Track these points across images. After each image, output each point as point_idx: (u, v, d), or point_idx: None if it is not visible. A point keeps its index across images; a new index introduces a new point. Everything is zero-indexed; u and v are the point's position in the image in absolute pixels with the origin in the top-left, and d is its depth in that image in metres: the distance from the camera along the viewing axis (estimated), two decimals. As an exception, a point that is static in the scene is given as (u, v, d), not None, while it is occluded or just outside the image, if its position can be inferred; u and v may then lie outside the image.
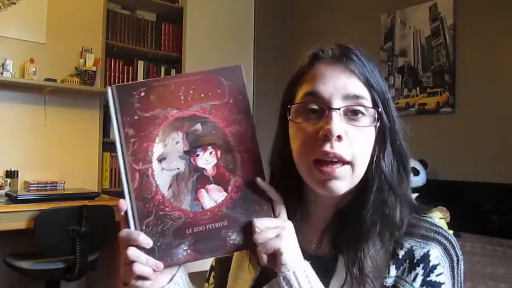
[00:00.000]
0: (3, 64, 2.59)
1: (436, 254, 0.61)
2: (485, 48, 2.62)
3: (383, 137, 0.64)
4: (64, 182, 2.81)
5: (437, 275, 0.61)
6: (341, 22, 3.39)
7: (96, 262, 2.37)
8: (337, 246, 0.65)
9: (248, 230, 0.59)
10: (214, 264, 0.78)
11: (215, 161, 0.60)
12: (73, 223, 2.20)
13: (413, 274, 0.60)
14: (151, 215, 0.57)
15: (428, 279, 0.60)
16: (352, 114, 0.62)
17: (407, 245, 0.62)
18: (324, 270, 0.63)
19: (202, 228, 0.58)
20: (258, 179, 0.61)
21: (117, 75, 3.13)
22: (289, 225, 0.60)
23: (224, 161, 0.60)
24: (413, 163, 2.57)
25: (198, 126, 0.60)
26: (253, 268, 0.69)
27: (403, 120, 0.69)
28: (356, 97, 0.62)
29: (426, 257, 0.61)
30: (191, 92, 0.60)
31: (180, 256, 0.58)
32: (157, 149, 0.59)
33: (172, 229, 0.58)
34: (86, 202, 2.30)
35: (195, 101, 0.60)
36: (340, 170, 0.60)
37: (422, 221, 0.66)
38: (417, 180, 2.54)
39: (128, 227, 0.58)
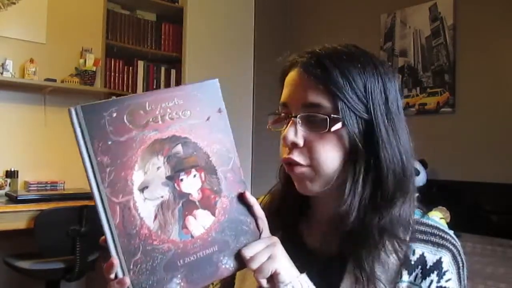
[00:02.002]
0: (3, 64, 2.59)
1: (446, 261, 0.63)
2: (485, 48, 2.62)
3: (352, 143, 0.63)
4: (64, 182, 2.81)
5: (446, 281, 0.62)
6: (341, 22, 3.39)
7: (96, 262, 2.36)
8: (343, 246, 0.65)
9: (238, 251, 0.57)
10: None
11: (199, 184, 0.56)
12: (73, 223, 2.20)
13: (428, 280, 0.62)
14: (138, 252, 0.52)
15: (438, 285, 0.62)
16: (312, 121, 0.63)
17: (418, 251, 0.64)
18: (333, 270, 0.65)
19: (194, 257, 0.55)
20: (247, 193, 0.59)
21: (117, 75, 3.13)
22: (276, 240, 0.59)
23: (209, 183, 0.57)
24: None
25: (179, 148, 0.55)
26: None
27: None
28: (313, 105, 0.63)
29: (439, 264, 0.63)
30: (169, 110, 0.54)
31: None
32: (137, 177, 0.52)
33: (162, 264, 0.53)
34: (86, 202, 2.29)
35: (173, 121, 0.55)
36: (301, 171, 0.65)
37: (430, 227, 0.67)
38: (417, 180, 2.53)
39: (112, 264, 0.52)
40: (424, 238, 0.65)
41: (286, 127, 0.65)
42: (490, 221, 2.44)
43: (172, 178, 0.55)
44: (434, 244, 0.64)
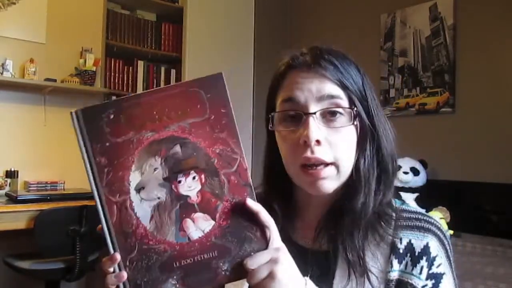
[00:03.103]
0: (3, 64, 2.59)
1: (434, 246, 0.64)
2: (485, 48, 2.62)
3: (364, 135, 0.66)
4: (64, 182, 2.81)
5: (437, 266, 0.64)
6: (341, 22, 3.39)
7: (96, 262, 2.36)
8: (334, 240, 0.66)
9: (240, 259, 0.54)
10: None
11: (199, 186, 0.54)
12: (73, 223, 2.20)
13: (418, 267, 0.63)
14: (134, 250, 0.53)
15: (430, 271, 0.63)
16: (329, 115, 0.63)
17: (405, 239, 0.65)
18: (324, 265, 0.65)
19: (190, 260, 0.54)
20: (249, 201, 0.55)
21: (117, 75, 3.13)
22: (282, 250, 0.55)
23: (210, 186, 0.55)
24: (413, 163, 2.57)
25: (177, 149, 0.54)
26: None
27: (390, 119, 0.71)
28: (331, 96, 0.63)
29: (426, 249, 0.64)
30: (167, 110, 0.53)
31: None
32: (134, 178, 0.53)
33: (158, 264, 0.53)
34: (86, 202, 2.29)
35: (172, 120, 0.53)
36: (325, 171, 0.63)
37: (412, 213, 0.68)
38: (417, 180, 2.54)
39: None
40: (409, 224, 0.66)
41: (302, 126, 0.63)
42: (490, 221, 2.43)
43: (169, 180, 0.54)
44: (420, 229, 0.65)
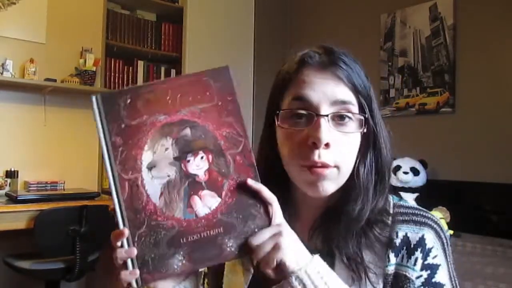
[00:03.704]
0: (3, 64, 2.59)
1: (430, 238, 0.65)
2: (485, 48, 2.62)
3: (367, 141, 0.66)
4: (64, 182, 2.81)
5: (433, 258, 0.64)
6: (341, 22, 3.39)
7: (96, 262, 2.36)
8: (330, 241, 0.66)
9: (245, 236, 0.57)
10: (206, 270, 0.77)
11: (207, 166, 0.58)
12: (73, 223, 2.20)
13: (413, 259, 0.64)
14: (143, 226, 0.55)
15: (426, 262, 0.64)
16: (339, 119, 0.63)
17: (401, 232, 0.66)
18: None
19: (197, 236, 0.56)
20: (249, 180, 0.58)
21: (117, 75, 3.13)
22: (284, 226, 0.58)
23: (216, 165, 0.58)
24: (413, 163, 2.57)
25: (187, 131, 0.58)
26: (246, 272, 0.68)
27: (388, 122, 0.71)
28: (344, 102, 0.63)
29: (422, 241, 0.64)
30: (179, 96, 0.58)
31: (176, 266, 0.55)
32: (146, 157, 0.57)
33: (165, 239, 0.55)
34: (86, 202, 2.30)
35: (183, 105, 0.58)
36: (327, 172, 0.63)
37: (409, 208, 0.69)
38: (417, 180, 2.54)
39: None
40: (406, 219, 0.67)
41: (312, 126, 0.62)
42: (490, 221, 2.44)
43: (179, 159, 0.57)
44: (416, 223, 0.66)
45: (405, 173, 2.53)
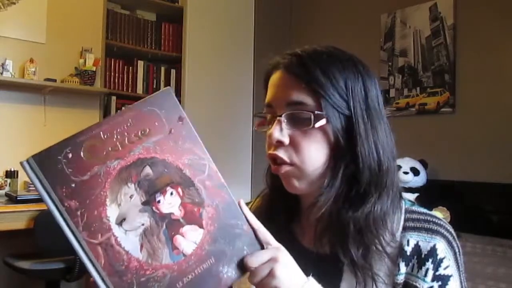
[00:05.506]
0: (3, 64, 2.59)
1: (441, 248, 0.63)
2: (485, 48, 2.62)
3: (337, 141, 0.65)
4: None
5: (444, 268, 0.63)
6: (341, 22, 3.39)
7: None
8: (334, 246, 0.66)
9: (237, 257, 0.56)
10: None
11: (179, 200, 0.54)
12: (73, 223, 2.19)
13: (423, 269, 0.62)
14: (133, 286, 0.50)
15: (437, 273, 0.62)
16: (297, 119, 0.65)
17: (413, 240, 0.64)
18: (330, 269, 0.65)
19: (192, 275, 0.53)
20: (241, 201, 0.58)
21: (117, 75, 3.13)
22: (281, 250, 0.57)
23: (189, 197, 0.54)
24: (413, 163, 2.57)
25: (148, 170, 0.53)
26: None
27: (391, 119, 0.69)
28: (296, 103, 0.65)
29: (433, 251, 0.63)
30: (126, 134, 0.52)
31: None
32: (112, 212, 0.50)
33: None
34: (86, 202, 2.29)
35: (134, 144, 0.52)
36: (286, 170, 0.66)
37: (422, 214, 0.67)
38: (417, 180, 2.54)
39: None
40: (417, 226, 0.65)
41: (271, 126, 0.66)
42: (490, 221, 2.43)
43: (148, 203, 0.52)
44: (428, 231, 0.65)
45: (405, 173, 2.53)
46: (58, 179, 0.49)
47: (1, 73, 2.58)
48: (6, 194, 2.50)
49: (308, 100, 0.64)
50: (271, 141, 0.65)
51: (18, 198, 2.31)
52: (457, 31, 2.74)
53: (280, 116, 0.65)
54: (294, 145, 0.65)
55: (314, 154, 0.65)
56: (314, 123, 0.63)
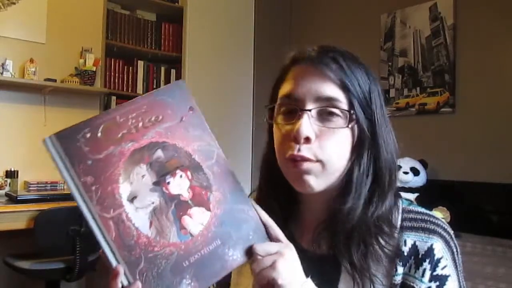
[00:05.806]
0: (3, 64, 2.59)
1: (439, 248, 0.63)
2: (485, 48, 2.62)
3: (361, 141, 0.65)
4: (64, 182, 2.80)
5: (442, 268, 0.62)
6: (341, 22, 3.39)
7: (96, 262, 2.36)
8: (333, 246, 0.65)
9: (243, 241, 0.58)
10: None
11: (188, 183, 0.57)
12: (73, 223, 2.19)
13: (421, 270, 0.62)
14: (141, 261, 0.52)
15: (435, 273, 0.62)
16: (326, 115, 0.63)
17: (410, 240, 0.64)
18: (327, 269, 0.64)
19: (198, 255, 0.55)
20: (252, 202, 0.60)
21: (117, 75, 3.13)
22: (290, 248, 0.59)
23: (197, 181, 0.57)
24: (413, 163, 2.57)
25: (160, 153, 0.56)
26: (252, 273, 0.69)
27: (390, 119, 0.70)
28: (329, 99, 0.63)
29: (430, 251, 0.63)
30: (141, 119, 0.56)
31: None
32: (124, 189, 0.53)
33: (168, 268, 0.53)
34: (86, 202, 2.29)
35: (148, 128, 0.56)
36: (309, 165, 0.62)
37: (419, 214, 0.67)
38: (417, 180, 2.54)
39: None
40: (414, 225, 0.65)
41: (296, 120, 0.63)
42: (490, 221, 2.43)
43: (159, 183, 0.55)
44: (425, 230, 0.64)
45: (405, 173, 2.53)
46: (76, 156, 0.52)
47: (1, 73, 2.58)
48: (6, 194, 2.50)
49: (341, 97, 0.63)
50: (299, 136, 0.61)
51: (18, 198, 2.32)
52: (457, 31, 2.74)
53: (310, 110, 0.62)
54: (320, 142, 0.62)
55: (340, 153, 0.64)
56: (349, 123, 0.63)
